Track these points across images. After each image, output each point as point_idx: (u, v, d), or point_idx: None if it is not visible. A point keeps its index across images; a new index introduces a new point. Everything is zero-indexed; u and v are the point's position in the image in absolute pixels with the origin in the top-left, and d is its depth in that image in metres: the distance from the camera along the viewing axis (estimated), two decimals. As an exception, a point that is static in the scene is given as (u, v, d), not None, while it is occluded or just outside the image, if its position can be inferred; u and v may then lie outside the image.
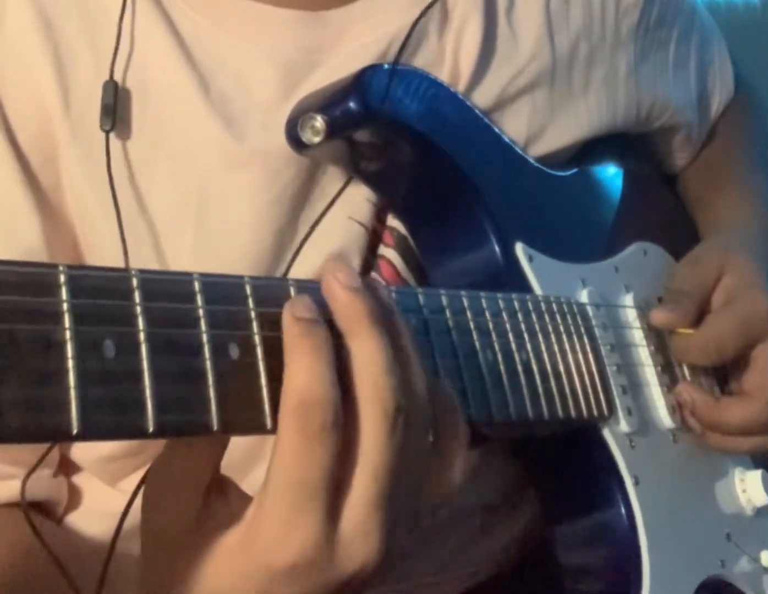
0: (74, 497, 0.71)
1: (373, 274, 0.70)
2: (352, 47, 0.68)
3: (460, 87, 0.72)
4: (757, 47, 0.97)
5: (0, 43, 0.63)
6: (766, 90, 1.03)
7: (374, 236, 0.70)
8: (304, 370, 0.42)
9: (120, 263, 0.63)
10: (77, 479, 0.72)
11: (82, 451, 0.69)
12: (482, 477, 0.76)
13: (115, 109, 0.63)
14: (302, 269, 0.66)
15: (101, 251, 0.65)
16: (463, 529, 0.77)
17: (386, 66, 0.66)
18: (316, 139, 0.63)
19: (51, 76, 0.63)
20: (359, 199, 0.69)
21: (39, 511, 0.68)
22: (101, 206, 0.64)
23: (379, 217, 0.70)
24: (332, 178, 0.68)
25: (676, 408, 0.75)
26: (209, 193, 0.65)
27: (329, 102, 0.64)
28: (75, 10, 0.64)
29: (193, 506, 0.45)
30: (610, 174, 0.86)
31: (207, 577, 0.44)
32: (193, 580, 0.44)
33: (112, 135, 0.64)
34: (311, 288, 0.47)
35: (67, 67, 0.63)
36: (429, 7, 0.70)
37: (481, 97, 0.73)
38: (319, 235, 0.68)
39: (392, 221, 0.71)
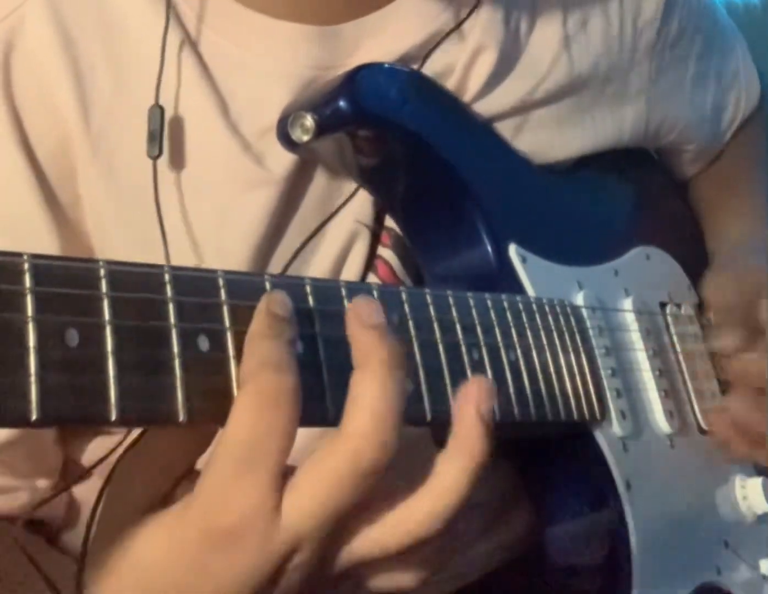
0: (72, 513, 0.71)
1: (370, 275, 0.70)
2: (364, 60, 0.68)
3: (465, 99, 0.72)
4: (757, 47, 0.96)
5: (19, 59, 0.63)
6: (765, 90, 1.02)
7: (374, 236, 0.71)
8: (268, 340, 0.43)
9: None
10: (77, 492, 0.71)
11: (94, 455, 0.69)
12: (486, 473, 0.76)
13: (162, 136, 0.63)
14: (310, 272, 0.67)
15: None
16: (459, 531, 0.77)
17: (379, 65, 0.67)
18: (306, 138, 0.63)
19: (70, 93, 0.62)
20: (364, 200, 0.70)
21: (34, 527, 0.68)
22: (122, 224, 0.64)
23: (378, 217, 0.71)
24: (332, 176, 0.69)
25: (674, 413, 0.75)
26: (229, 213, 0.65)
27: (320, 100, 0.64)
28: (95, 28, 0.64)
29: (159, 493, 0.45)
30: (615, 177, 0.86)
31: (139, 549, 0.43)
32: (126, 553, 0.43)
33: (137, 156, 0.63)
34: (286, 283, 0.48)
35: (86, 84, 0.63)
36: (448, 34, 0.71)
37: (486, 108, 0.73)
38: (326, 237, 0.68)
39: (389, 221, 0.71)
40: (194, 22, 0.66)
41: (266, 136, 0.66)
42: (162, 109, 0.63)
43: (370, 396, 0.44)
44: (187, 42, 0.65)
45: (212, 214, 0.65)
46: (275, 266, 0.66)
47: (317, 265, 0.68)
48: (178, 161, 0.65)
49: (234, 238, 0.65)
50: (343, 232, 0.69)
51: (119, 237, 0.64)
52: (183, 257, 0.64)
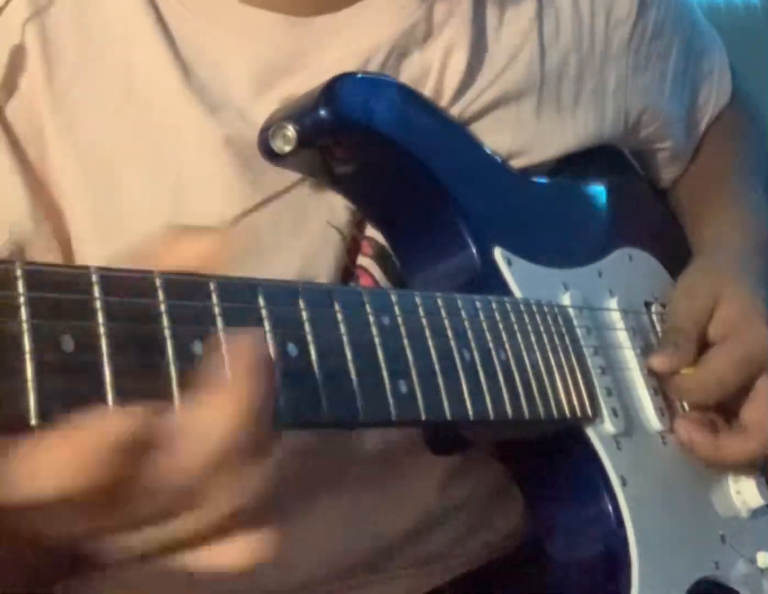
0: None
1: (352, 284, 0.70)
2: (333, 56, 0.69)
3: (443, 102, 0.73)
4: (757, 48, 0.97)
5: None
6: (765, 90, 1.02)
7: (354, 245, 0.71)
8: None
9: (91, 240, 0.65)
10: None
11: None
12: (472, 473, 0.76)
13: None
14: (279, 272, 0.66)
15: (78, 226, 0.66)
16: (454, 524, 0.77)
17: (358, 74, 0.67)
18: (288, 149, 0.64)
19: (37, 50, 0.64)
20: (339, 206, 0.70)
21: None
22: (80, 182, 0.65)
23: (359, 226, 0.71)
24: (312, 181, 0.69)
25: (665, 410, 0.75)
26: (185, 178, 0.66)
27: (300, 111, 0.64)
28: None
29: None
30: (594, 181, 0.87)
31: None
32: None
33: (93, 115, 0.65)
34: (276, 286, 0.48)
35: (52, 46, 0.64)
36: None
37: (464, 109, 0.73)
38: (296, 238, 0.68)
39: (370, 230, 0.72)
40: None
41: (227, 104, 0.66)
42: None
43: None
44: (152, 8, 0.66)
45: (169, 176, 0.66)
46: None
47: (288, 265, 0.68)
48: (137, 121, 0.65)
49: (189, 203, 0.65)
50: (314, 234, 0.69)
51: (79, 195, 0.65)
52: (140, 217, 0.65)
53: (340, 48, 0.69)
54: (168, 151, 0.66)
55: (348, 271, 0.70)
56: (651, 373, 0.76)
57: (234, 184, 0.66)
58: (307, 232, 0.68)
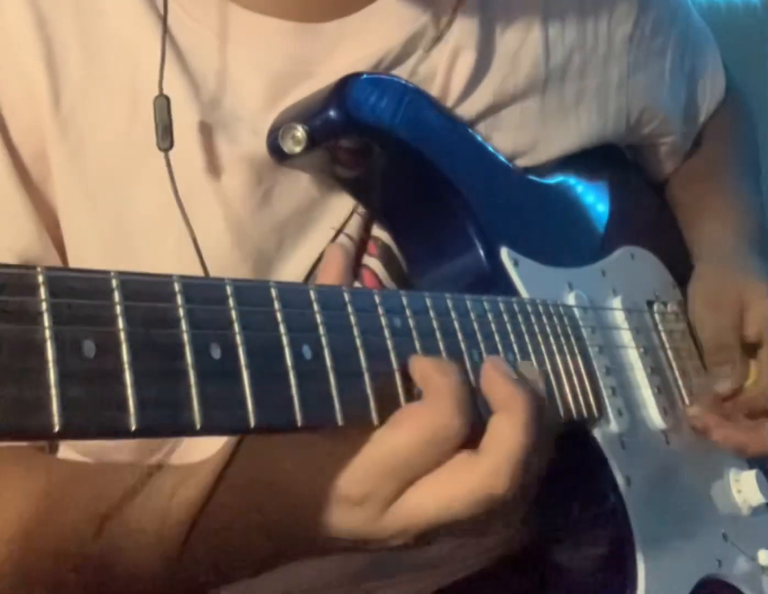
0: None
1: (356, 283, 0.70)
2: (342, 61, 0.69)
3: (449, 102, 0.73)
4: (757, 48, 0.97)
5: None
6: (765, 90, 1.02)
7: (360, 245, 0.71)
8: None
9: (98, 262, 0.64)
10: None
11: None
12: None
13: (171, 126, 0.63)
14: (284, 276, 0.67)
15: (83, 250, 0.65)
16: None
17: (366, 74, 0.67)
18: (298, 149, 0.63)
19: (42, 72, 0.63)
20: (345, 210, 0.70)
21: None
22: (89, 207, 0.64)
23: (365, 226, 0.71)
24: (318, 186, 0.69)
25: (668, 409, 0.75)
26: (194, 196, 0.65)
27: (310, 111, 0.64)
28: (69, 10, 0.65)
29: None
30: (596, 180, 0.87)
31: None
32: None
33: (99, 136, 0.64)
34: (292, 290, 0.48)
35: (58, 64, 0.64)
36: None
37: (470, 109, 0.74)
38: (302, 244, 0.68)
39: (376, 231, 0.72)
40: (171, 6, 0.66)
41: (239, 121, 0.66)
42: (168, 100, 0.63)
43: (511, 439, 0.49)
44: (161, 26, 0.65)
45: (180, 195, 0.64)
46: (242, 256, 0.66)
47: (292, 269, 0.68)
48: (145, 142, 0.64)
49: (198, 222, 0.64)
50: (320, 238, 0.69)
51: (86, 219, 0.65)
52: (149, 236, 0.65)
53: (349, 54, 0.69)
54: (177, 170, 0.64)
55: (354, 271, 0.70)
56: (654, 372, 0.76)
57: (245, 199, 0.66)
58: (312, 237, 0.68)
